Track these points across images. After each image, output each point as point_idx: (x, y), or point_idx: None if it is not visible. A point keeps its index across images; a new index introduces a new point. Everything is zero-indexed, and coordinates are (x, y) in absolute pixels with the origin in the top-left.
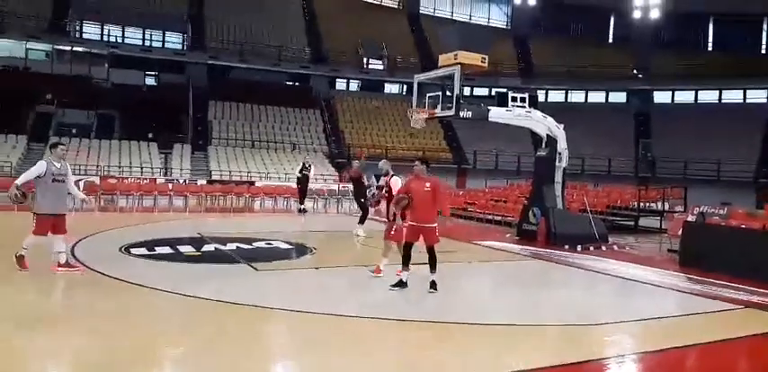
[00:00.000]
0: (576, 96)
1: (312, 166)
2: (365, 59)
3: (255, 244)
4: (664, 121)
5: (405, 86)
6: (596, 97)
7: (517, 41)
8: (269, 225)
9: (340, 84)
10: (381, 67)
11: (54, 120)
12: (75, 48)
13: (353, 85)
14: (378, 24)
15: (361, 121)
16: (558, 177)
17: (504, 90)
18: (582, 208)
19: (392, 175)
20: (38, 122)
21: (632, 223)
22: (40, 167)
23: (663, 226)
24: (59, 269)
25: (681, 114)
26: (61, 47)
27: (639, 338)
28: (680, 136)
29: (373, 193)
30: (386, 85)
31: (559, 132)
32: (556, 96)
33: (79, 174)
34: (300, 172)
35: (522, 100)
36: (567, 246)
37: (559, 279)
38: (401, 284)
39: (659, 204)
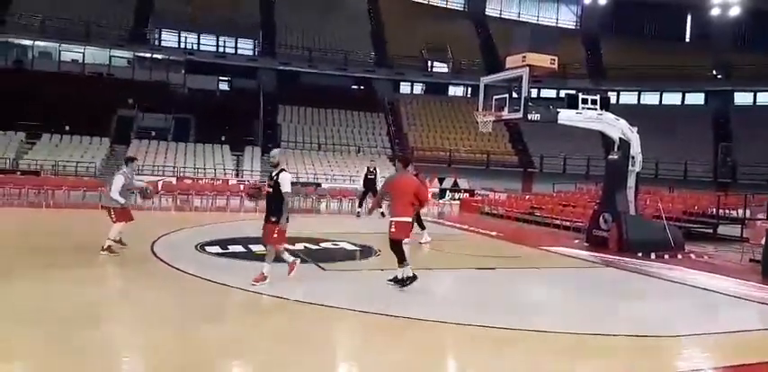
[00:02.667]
0: (650, 98)
1: (378, 170)
2: (429, 62)
3: (322, 245)
4: (745, 124)
5: (469, 89)
6: (672, 99)
7: (587, 42)
8: (335, 226)
9: (404, 88)
10: (446, 70)
11: (134, 124)
12: (154, 56)
13: (417, 88)
14: (442, 27)
15: (424, 124)
16: (631, 181)
17: (574, 92)
18: (656, 214)
19: (282, 170)
20: (120, 126)
21: (710, 230)
22: (119, 181)
23: (744, 235)
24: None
25: (763, 116)
26: (142, 54)
27: (716, 352)
28: (763, 139)
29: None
30: (450, 88)
31: (633, 135)
32: (628, 98)
33: (157, 175)
34: (366, 176)
35: (594, 102)
36: (640, 254)
37: (632, 288)
38: (405, 280)
39: (740, 211)
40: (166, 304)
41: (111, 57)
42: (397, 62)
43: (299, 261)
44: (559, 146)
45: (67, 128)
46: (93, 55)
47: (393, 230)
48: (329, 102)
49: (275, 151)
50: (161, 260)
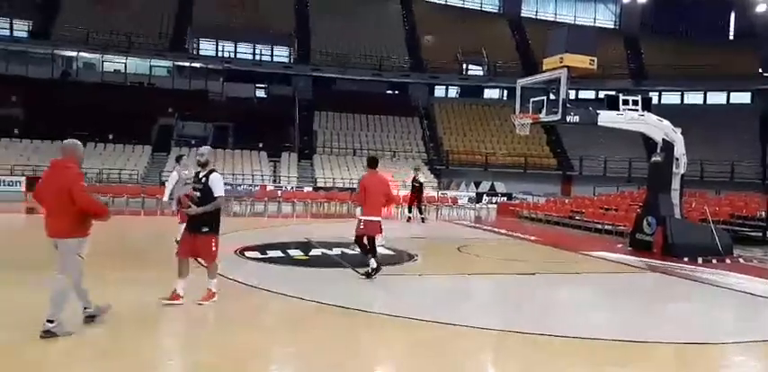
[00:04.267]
0: (694, 97)
1: (421, 175)
2: (464, 65)
3: (359, 250)
4: None
5: (505, 91)
6: (716, 98)
7: (626, 41)
8: None
9: (438, 91)
10: (481, 73)
11: (174, 132)
12: (193, 65)
13: (452, 92)
14: (477, 30)
15: (460, 128)
16: (675, 184)
17: (614, 92)
18: (702, 217)
19: (212, 170)
20: (161, 134)
21: (760, 234)
22: (172, 180)
23: None
24: None
25: None
26: (181, 63)
27: (766, 361)
28: None
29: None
30: (485, 91)
31: (676, 136)
32: (671, 98)
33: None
34: (412, 183)
35: (635, 102)
36: (685, 258)
37: (677, 294)
38: (373, 271)
39: None
40: (204, 306)
41: (151, 66)
42: (431, 66)
43: (181, 289)
44: (599, 148)
45: (111, 136)
46: (135, 65)
47: (361, 227)
48: (364, 108)
49: (204, 149)
50: (202, 265)
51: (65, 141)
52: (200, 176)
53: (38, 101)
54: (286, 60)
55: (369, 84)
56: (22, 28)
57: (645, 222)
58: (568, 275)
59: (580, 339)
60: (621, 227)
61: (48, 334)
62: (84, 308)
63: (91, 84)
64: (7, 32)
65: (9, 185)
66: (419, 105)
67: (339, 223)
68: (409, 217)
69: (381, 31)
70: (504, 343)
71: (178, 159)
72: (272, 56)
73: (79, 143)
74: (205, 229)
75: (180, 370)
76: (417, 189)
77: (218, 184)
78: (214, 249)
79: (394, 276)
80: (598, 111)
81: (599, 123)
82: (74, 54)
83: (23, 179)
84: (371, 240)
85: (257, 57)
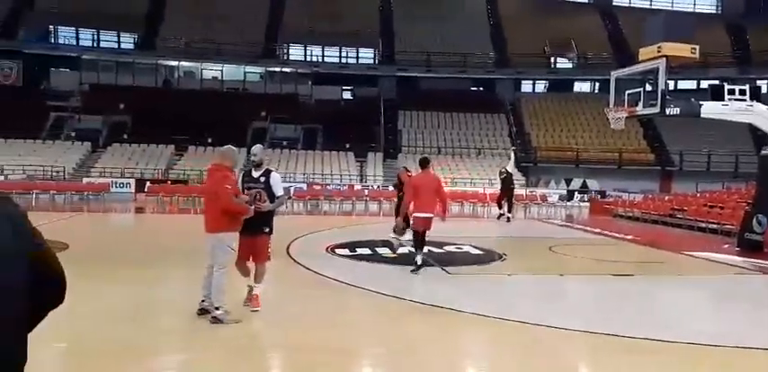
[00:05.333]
0: None
1: (510, 170)
2: (552, 59)
3: (446, 248)
4: None
5: (597, 84)
6: None
7: (729, 27)
8: (456, 229)
9: (525, 86)
10: (570, 66)
11: (267, 134)
12: (283, 70)
13: (540, 86)
14: (566, 21)
15: (548, 123)
16: None
17: (718, 82)
18: None
19: (268, 170)
20: (255, 137)
21: None
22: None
23: None
24: None
25: None
26: (272, 69)
27: None
28: None
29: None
30: (575, 84)
31: None
32: None
33: (289, 182)
34: (503, 179)
35: (742, 92)
36: None
37: None
38: (420, 266)
39: None
40: (299, 303)
41: (245, 73)
42: (517, 60)
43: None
44: (702, 141)
45: (210, 140)
46: (230, 72)
47: (414, 223)
48: (449, 106)
49: (257, 148)
50: (297, 262)
51: (221, 147)
52: (257, 176)
53: (143, 108)
54: (371, 62)
55: (453, 82)
56: (128, 40)
57: (755, 220)
58: (669, 276)
59: (683, 344)
60: (729, 226)
61: (215, 320)
62: (202, 301)
63: (190, 91)
64: (116, 45)
65: (120, 186)
66: (505, 101)
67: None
68: (500, 215)
69: (466, 28)
70: (602, 347)
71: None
72: (357, 58)
73: (233, 148)
74: (266, 229)
75: (281, 368)
76: (504, 182)
77: (278, 183)
78: (269, 250)
79: (483, 275)
80: (701, 102)
81: (702, 115)
82: (175, 63)
83: (132, 181)
84: (422, 235)
85: (343, 60)
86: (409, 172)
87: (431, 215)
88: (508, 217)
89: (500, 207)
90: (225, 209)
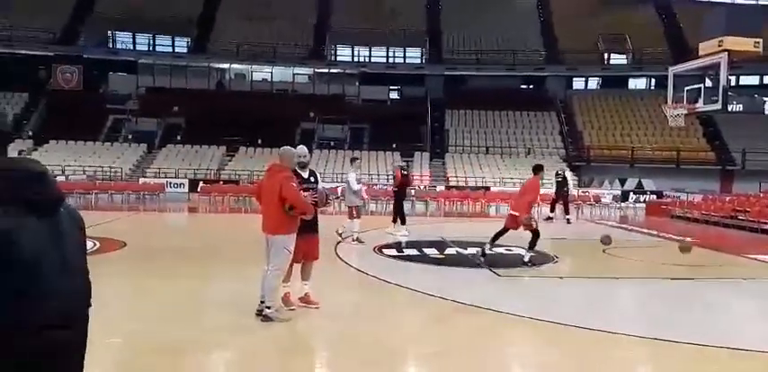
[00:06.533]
0: None
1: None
2: (606, 55)
3: (495, 250)
4: None
5: (653, 80)
6: None
7: None
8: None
9: (577, 83)
10: (625, 62)
11: (315, 135)
12: (331, 70)
13: (592, 83)
14: (620, 16)
15: (601, 121)
16: None
17: None
18: None
19: (312, 170)
20: (304, 137)
21: None
22: (353, 177)
23: None
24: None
25: None
26: (320, 70)
27: None
28: None
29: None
30: (630, 81)
31: None
32: None
33: (337, 182)
34: (557, 181)
35: None
36: None
37: None
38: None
39: None
40: (347, 303)
41: (294, 74)
42: (569, 57)
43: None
44: (765, 139)
45: (260, 141)
46: (279, 73)
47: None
48: (497, 104)
49: (304, 148)
50: (344, 261)
51: (281, 148)
52: (307, 177)
53: (196, 110)
54: (418, 61)
55: (501, 80)
56: (182, 44)
57: None
58: (731, 281)
59: (747, 351)
60: None
61: (265, 318)
62: (261, 302)
63: (241, 92)
64: (170, 49)
65: (175, 187)
66: (556, 99)
67: (472, 222)
68: (548, 217)
69: (514, 24)
70: (646, 352)
71: (352, 161)
72: (404, 57)
73: (292, 149)
74: (317, 228)
75: (330, 366)
76: (559, 185)
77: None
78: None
79: (533, 278)
80: (765, 98)
81: (767, 112)
82: (226, 66)
83: (186, 181)
84: (504, 231)
85: (390, 60)
86: (404, 170)
87: (517, 213)
88: (568, 219)
89: (552, 209)
90: (295, 206)
